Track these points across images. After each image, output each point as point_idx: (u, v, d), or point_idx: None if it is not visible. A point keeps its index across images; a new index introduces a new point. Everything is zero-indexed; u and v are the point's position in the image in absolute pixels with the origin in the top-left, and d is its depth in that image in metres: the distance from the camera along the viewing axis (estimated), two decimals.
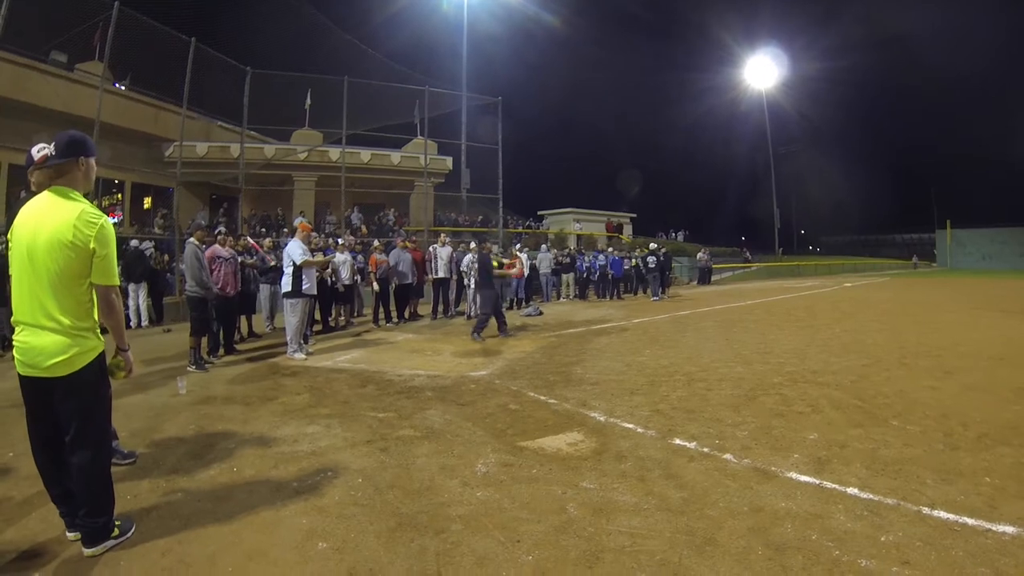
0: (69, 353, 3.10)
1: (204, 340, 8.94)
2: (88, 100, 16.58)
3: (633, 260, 23.60)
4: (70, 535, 3.31)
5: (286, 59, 23.37)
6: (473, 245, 15.55)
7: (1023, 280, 31.83)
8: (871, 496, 3.82)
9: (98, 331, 3.28)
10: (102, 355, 3.30)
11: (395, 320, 14.17)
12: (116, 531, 3.29)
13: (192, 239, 9.08)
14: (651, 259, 21.40)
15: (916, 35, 69.00)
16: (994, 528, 3.35)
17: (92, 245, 3.11)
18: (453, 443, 5.07)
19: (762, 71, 55.65)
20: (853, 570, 2.95)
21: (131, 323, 13.44)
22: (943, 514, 3.54)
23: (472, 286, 14.81)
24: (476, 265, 13.13)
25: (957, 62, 66.52)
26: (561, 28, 48.42)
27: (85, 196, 3.30)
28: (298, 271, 9.24)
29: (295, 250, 9.32)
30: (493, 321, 11.50)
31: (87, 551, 3.17)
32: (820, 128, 69.49)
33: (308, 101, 23.31)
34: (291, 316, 9.35)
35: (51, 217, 3.11)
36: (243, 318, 11.71)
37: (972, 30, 60.83)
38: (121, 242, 13.21)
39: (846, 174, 71.80)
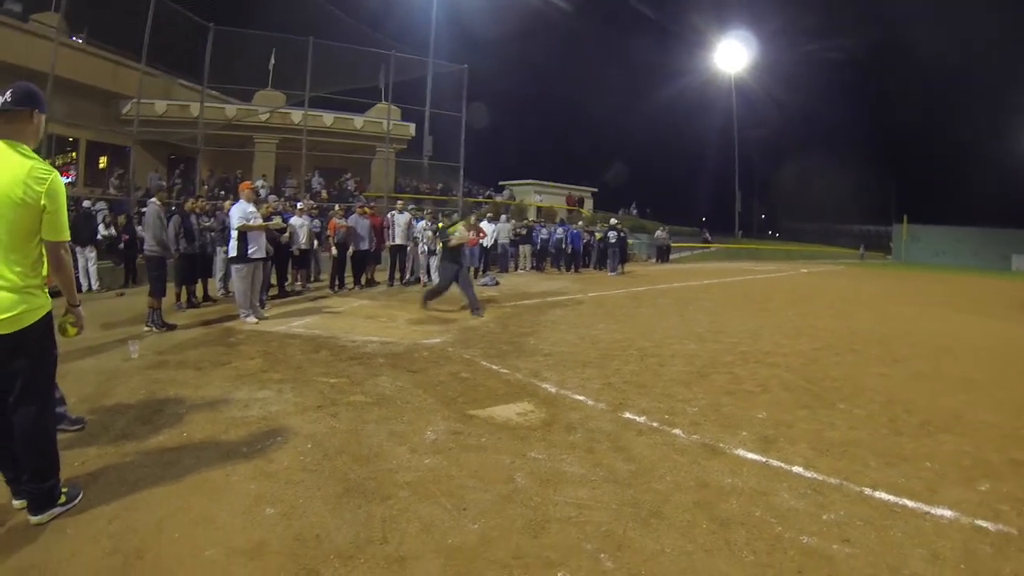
0: (17, 310, 2.99)
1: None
2: (43, 53, 15.93)
3: (598, 234, 23.69)
4: (16, 503, 3.20)
5: (250, 17, 22.71)
6: (427, 212, 15.47)
7: (976, 278, 32.74)
8: (815, 475, 3.88)
9: (46, 289, 3.18)
10: (50, 314, 3.19)
11: (351, 286, 14.00)
12: (63, 498, 3.21)
13: (154, 199, 9.13)
14: (611, 234, 21.57)
15: (888, 28, 69.68)
16: (932, 511, 3.42)
17: (43, 201, 3.00)
18: (403, 410, 5.03)
19: (732, 55, 55.82)
20: (795, 546, 2.98)
21: (82, 287, 13.00)
22: (884, 496, 3.60)
23: (424, 252, 15.10)
24: (429, 233, 13.41)
25: (928, 60, 67.39)
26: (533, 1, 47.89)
27: (35, 152, 3.16)
28: (242, 235, 8.98)
29: (234, 213, 9.08)
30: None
31: (33, 519, 3.08)
32: (787, 114, 69.98)
33: (272, 61, 22.67)
34: (238, 281, 9.15)
35: (0, 174, 2.97)
36: (199, 281, 11.43)
37: (947, 29, 61.45)
38: (73, 202, 12.85)
39: (811, 162, 72.52)
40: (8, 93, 3.10)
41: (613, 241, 21.48)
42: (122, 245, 14.03)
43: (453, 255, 10.88)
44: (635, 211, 44.38)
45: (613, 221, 23.06)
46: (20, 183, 2.95)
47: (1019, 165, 57.44)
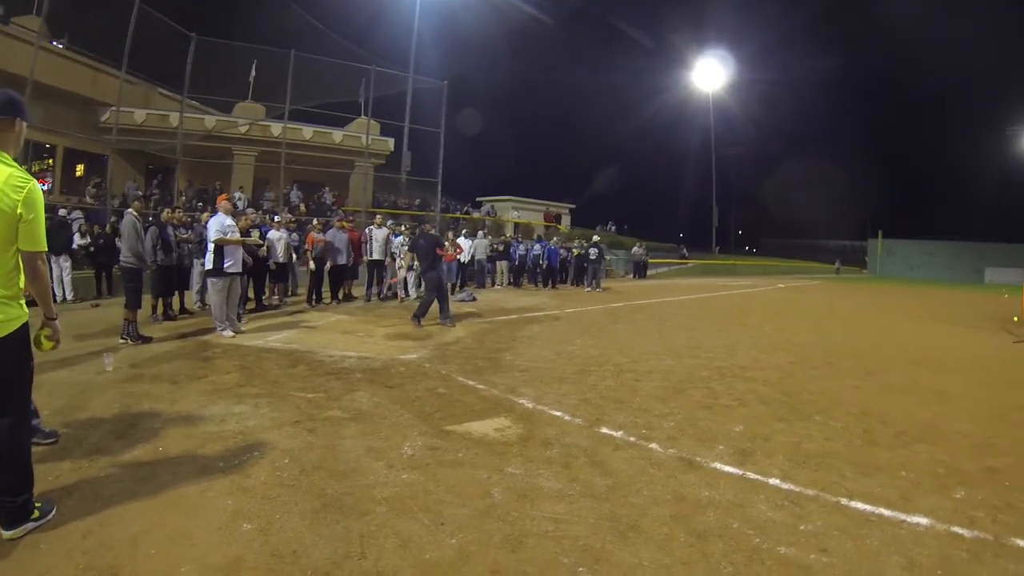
0: None
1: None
2: (22, 56, 15.79)
3: (576, 250, 23.78)
4: None
5: (233, 28, 22.59)
6: (404, 228, 15.45)
7: (950, 291, 33.19)
8: (792, 487, 3.90)
9: (23, 301, 3.12)
10: (26, 325, 3.13)
11: (328, 301, 13.91)
12: (36, 513, 3.13)
13: (131, 210, 9.02)
14: (592, 251, 21.64)
15: (864, 47, 70.79)
16: (908, 519, 3.45)
17: (19, 210, 2.94)
18: (380, 425, 4.99)
19: (710, 73, 56.28)
20: (772, 557, 2.99)
21: (56, 297, 12.83)
22: (860, 505, 3.63)
23: (402, 267, 14.89)
24: (407, 248, 13.26)
25: (903, 78, 68.58)
26: (514, 18, 48.01)
27: (14, 160, 3.11)
28: (219, 248, 8.93)
29: (212, 226, 9.03)
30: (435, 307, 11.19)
31: (6, 534, 3.02)
32: (764, 133, 70.85)
33: (253, 73, 22.58)
34: (214, 294, 9.10)
35: None
36: (176, 293, 11.30)
37: (920, 48, 62.28)
38: (49, 210, 12.67)
39: (787, 178, 73.42)
40: None
41: (593, 257, 21.54)
42: (92, 248, 13.92)
43: (432, 264, 10.89)
44: (612, 228, 44.54)
45: (595, 238, 23.15)
46: None
47: (993, 180, 58.61)
